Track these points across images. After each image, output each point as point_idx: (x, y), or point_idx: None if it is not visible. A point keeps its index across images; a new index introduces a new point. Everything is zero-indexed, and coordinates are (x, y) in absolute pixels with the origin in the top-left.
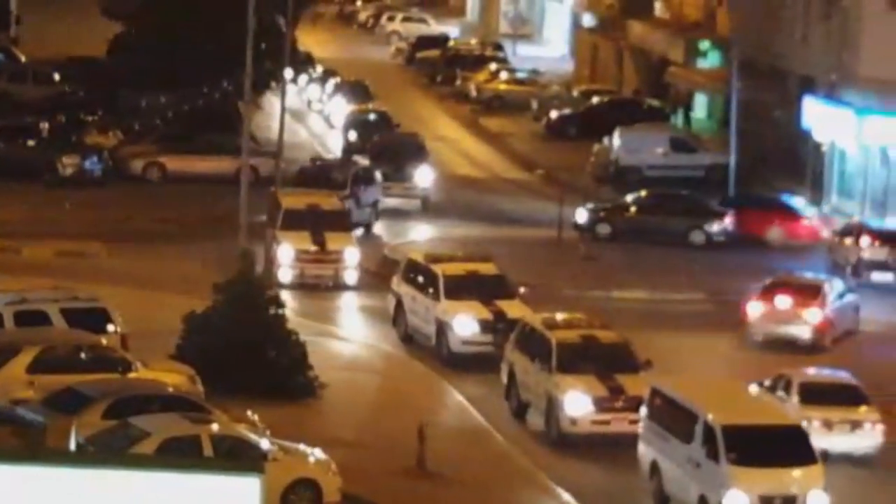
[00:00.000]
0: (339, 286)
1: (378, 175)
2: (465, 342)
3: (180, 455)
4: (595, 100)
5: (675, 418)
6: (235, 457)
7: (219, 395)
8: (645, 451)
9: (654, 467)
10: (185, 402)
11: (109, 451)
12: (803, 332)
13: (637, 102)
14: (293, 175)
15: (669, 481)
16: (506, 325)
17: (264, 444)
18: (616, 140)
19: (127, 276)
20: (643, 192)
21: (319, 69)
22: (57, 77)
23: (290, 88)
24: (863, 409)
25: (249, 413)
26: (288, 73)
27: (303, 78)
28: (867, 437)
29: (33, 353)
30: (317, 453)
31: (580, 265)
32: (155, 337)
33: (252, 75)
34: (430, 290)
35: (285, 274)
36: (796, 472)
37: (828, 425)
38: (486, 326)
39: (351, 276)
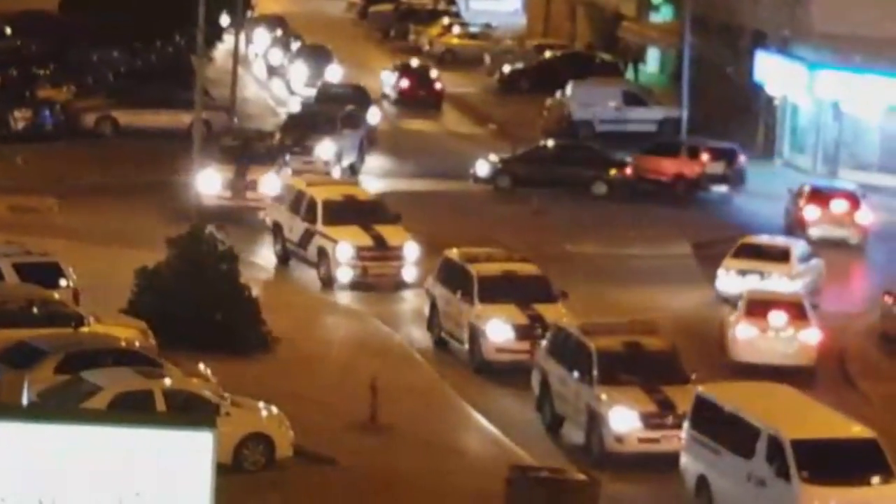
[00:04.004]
0: (401, 285)
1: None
2: (500, 349)
3: (133, 410)
4: (548, 54)
5: (728, 430)
6: (188, 411)
7: (171, 350)
8: (690, 465)
9: (702, 482)
10: (137, 357)
11: (62, 405)
12: (853, 234)
13: (590, 56)
14: (219, 151)
15: (723, 498)
16: (544, 331)
17: (216, 398)
18: (569, 94)
19: (79, 230)
20: (549, 143)
21: (279, 32)
22: (9, 31)
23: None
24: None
25: (202, 367)
26: (260, 35)
27: (264, 39)
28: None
29: None
30: (269, 408)
31: (531, 219)
32: (107, 291)
33: (204, 29)
34: (464, 292)
35: (344, 273)
36: (874, 490)
37: None
38: (522, 332)
39: (411, 272)
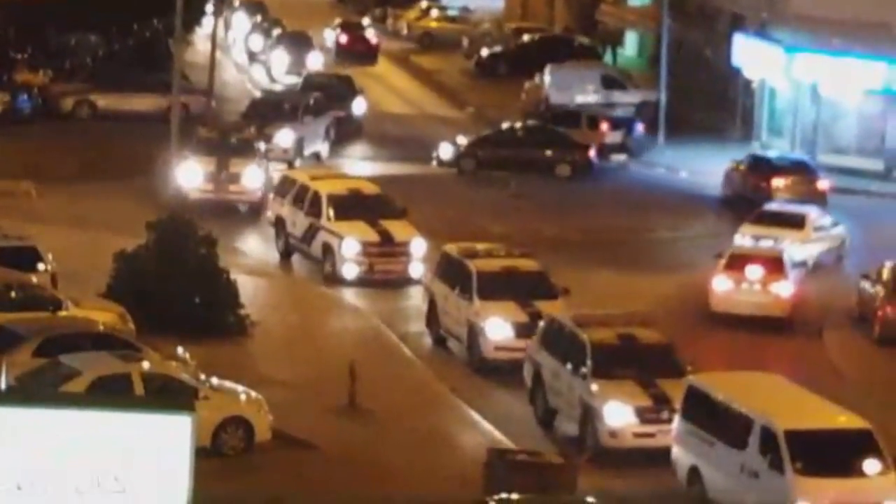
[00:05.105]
0: (407, 281)
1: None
2: (499, 347)
3: (111, 393)
4: (526, 37)
5: (720, 420)
6: (167, 395)
7: (150, 334)
8: (682, 456)
9: (694, 473)
10: (115, 341)
11: (40, 389)
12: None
13: (568, 40)
14: (196, 142)
15: (716, 490)
16: None
17: (194, 381)
18: (547, 77)
19: (57, 214)
20: (513, 125)
21: (258, 16)
22: None
23: (234, 40)
24: None
25: (180, 351)
26: (240, 20)
27: (244, 24)
28: None
29: None
30: (248, 391)
31: (510, 203)
32: (86, 275)
33: (182, 13)
34: (463, 289)
35: (350, 270)
36: (869, 482)
37: None
38: (521, 330)
39: (417, 269)
